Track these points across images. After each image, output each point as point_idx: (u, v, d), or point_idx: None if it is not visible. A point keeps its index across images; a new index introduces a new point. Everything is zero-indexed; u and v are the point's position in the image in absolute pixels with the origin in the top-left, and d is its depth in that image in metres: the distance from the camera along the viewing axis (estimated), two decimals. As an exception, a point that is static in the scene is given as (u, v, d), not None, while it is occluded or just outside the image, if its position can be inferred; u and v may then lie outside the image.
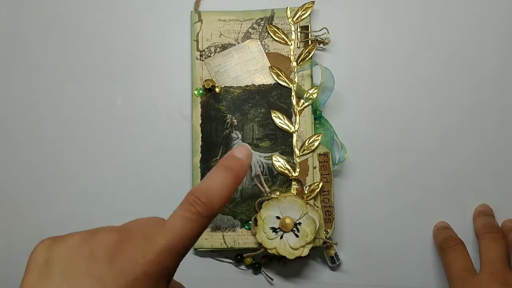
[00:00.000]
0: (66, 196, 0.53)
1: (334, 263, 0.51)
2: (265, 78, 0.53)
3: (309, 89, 0.52)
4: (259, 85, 0.53)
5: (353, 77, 0.54)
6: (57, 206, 0.53)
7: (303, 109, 0.52)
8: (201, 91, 0.52)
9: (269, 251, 0.48)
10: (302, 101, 0.52)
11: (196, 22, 0.54)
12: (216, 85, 0.52)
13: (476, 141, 0.53)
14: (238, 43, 0.53)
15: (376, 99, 0.54)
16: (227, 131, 0.52)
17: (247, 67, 0.53)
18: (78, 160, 0.54)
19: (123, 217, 0.52)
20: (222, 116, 0.52)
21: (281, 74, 0.52)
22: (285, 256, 0.48)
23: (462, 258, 0.47)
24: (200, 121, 0.52)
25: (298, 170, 0.51)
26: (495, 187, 0.52)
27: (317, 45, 0.53)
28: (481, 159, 0.53)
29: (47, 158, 0.54)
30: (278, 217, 0.49)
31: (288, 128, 0.52)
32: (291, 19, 0.53)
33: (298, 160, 0.51)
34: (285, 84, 0.52)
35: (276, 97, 0.53)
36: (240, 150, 0.33)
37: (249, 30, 0.54)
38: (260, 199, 0.50)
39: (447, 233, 0.49)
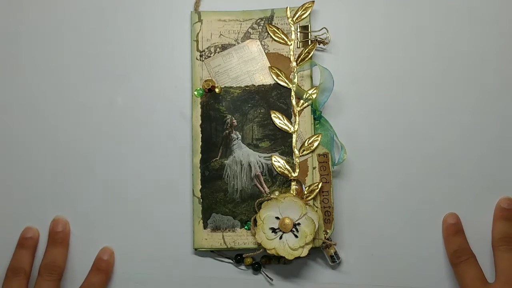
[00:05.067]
0: (65, 196, 0.53)
1: (334, 261, 0.51)
2: (264, 78, 0.53)
3: (308, 90, 0.52)
4: (258, 86, 0.53)
5: (353, 77, 0.54)
6: (57, 206, 0.53)
7: (302, 110, 0.52)
8: (201, 92, 0.52)
9: (268, 251, 0.49)
10: (301, 101, 0.52)
11: (196, 22, 0.54)
12: (216, 86, 0.52)
13: (476, 141, 0.53)
14: (238, 43, 0.53)
15: (376, 99, 0.54)
16: (227, 131, 0.52)
17: (247, 67, 0.53)
18: (77, 160, 0.54)
19: (123, 217, 0.53)
20: (222, 116, 0.52)
21: (280, 74, 0.52)
22: (284, 257, 0.48)
23: (474, 269, 0.49)
24: (200, 121, 0.52)
25: (297, 170, 0.51)
26: (494, 187, 0.52)
27: (317, 45, 0.53)
28: (482, 159, 0.53)
29: (47, 157, 0.54)
30: (277, 218, 0.49)
31: (287, 129, 0.52)
32: (291, 19, 0.53)
33: (298, 161, 0.51)
34: (285, 84, 0.52)
35: (275, 97, 0.52)
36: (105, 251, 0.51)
37: (249, 30, 0.53)
38: (260, 199, 0.51)
39: (458, 243, 0.50)
